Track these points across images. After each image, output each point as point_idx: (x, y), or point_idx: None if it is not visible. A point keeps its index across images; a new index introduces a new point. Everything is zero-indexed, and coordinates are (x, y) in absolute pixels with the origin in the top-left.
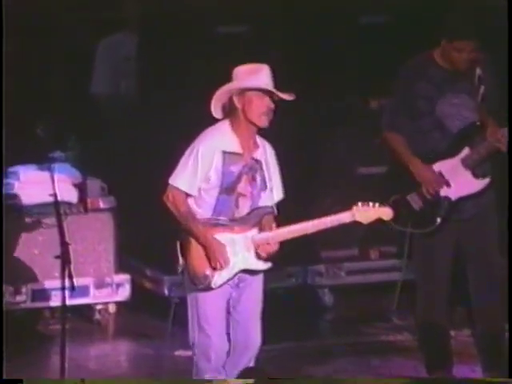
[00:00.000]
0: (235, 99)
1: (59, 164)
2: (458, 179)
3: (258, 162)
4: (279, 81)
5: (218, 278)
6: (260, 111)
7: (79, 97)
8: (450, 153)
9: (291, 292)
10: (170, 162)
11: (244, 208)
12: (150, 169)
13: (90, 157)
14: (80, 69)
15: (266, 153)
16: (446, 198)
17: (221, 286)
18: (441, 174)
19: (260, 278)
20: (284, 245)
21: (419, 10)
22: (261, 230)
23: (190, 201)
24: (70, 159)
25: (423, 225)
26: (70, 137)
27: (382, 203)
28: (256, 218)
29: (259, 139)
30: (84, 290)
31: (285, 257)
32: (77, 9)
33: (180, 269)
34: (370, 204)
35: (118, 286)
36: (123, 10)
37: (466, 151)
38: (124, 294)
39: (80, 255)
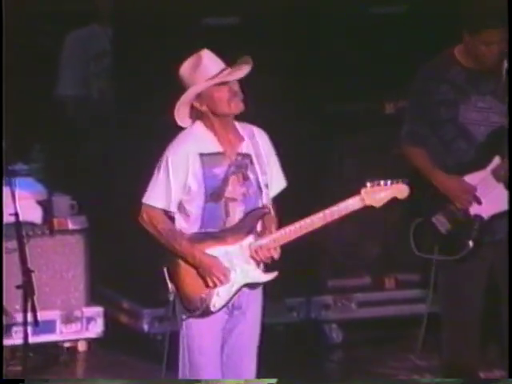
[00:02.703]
0: (196, 104)
1: (21, 178)
2: (490, 194)
3: (246, 156)
4: (276, 81)
5: (217, 300)
6: (225, 101)
7: (44, 100)
8: (478, 164)
9: (292, 328)
10: (146, 182)
11: (236, 214)
12: (127, 183)
13: (56, 170)
14: (44, 68)
15: (256, 142)
16: (478, 217)
17: (221, 308)
18: None
19: (258, 306)
20: (283, 272)
21: (439, 2)
22: (258, 235)
23: (177, 218)
24: (33, 173)
25: (452, 250)
26: (33, 147)
27: (396, 180)
28: (250, 223)
29: (243, 127)
30: (49, 326)
31: (285, 287)
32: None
33: (171, 297)
34: (382, 182)
35: (89, 320)
36: None
37: (496, 161)
38: (96, 329)
39: (45, 284)
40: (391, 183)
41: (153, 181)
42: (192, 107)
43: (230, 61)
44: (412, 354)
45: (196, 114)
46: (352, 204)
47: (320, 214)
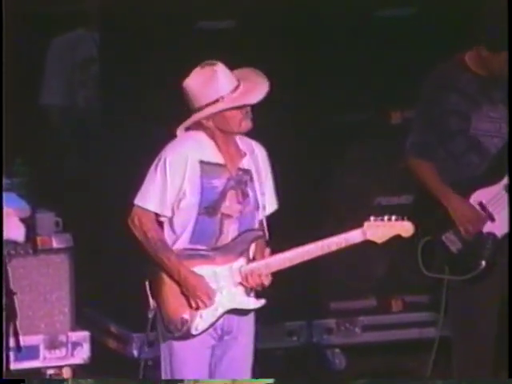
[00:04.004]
0: (203, 120)
1: (3, 193)
2: (504, 211)
3: (246, 172)
4: (275, 89)
5: (200, 322)
6: (237, 121)
7: (27, 110)
8: (491, 179)
9: (292, 354)
10: (138, 187)
11: (229, 233)
12: (116, 199)
13: (40, 184)
14: (26, 75)
15: (256, 158)
16: (491, 235)
17: (203, 331)
18: (482, 206)
19: (250, 331)
20: (283, 293)
21: (449, 4)
22: (250, 259)
23: (165, 225)
24: (15, 187)
25: (464, 270)
26: (14, 160)
27: (401, 217)
28: (243, 245)
29: (244, 142)
30: (33, 351)
31: (284, 309)
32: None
33: (151, 314)
34: (385, 218)
35: (75, 345)
36: (80, 1)
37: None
38: (82, 355)
39: (28, 307)
40: (396, 219)
41: (147, 182)
42: (197, 122)
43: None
44: (420, 380)
45: (197, 127)
46: (353, 237)
47: (318, 244)
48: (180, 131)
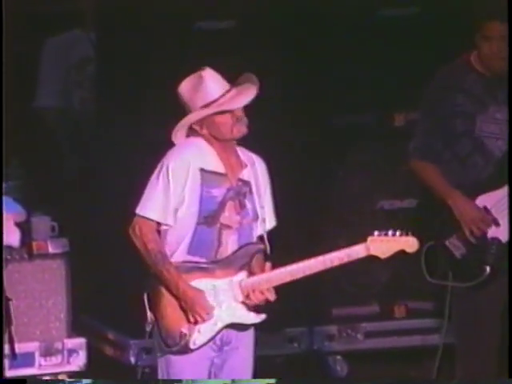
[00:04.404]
0: (196, 127)
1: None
2: (508, 215)
3: (246, 183)
4: (275, 90)
5: (198, 337)
6: (228, 127)
7: (21, 112)
8: (495, 183)
9: (293, 361)
10: (139, 195)
11: (229, 245)
12: (113, 203)
13: (35, 188)
14: (20, 76)
15: (256, 171)
16: (495, 240)
17: (201, 346)
18: (486, 211)
19: (250, 339)
20: (283, 299)
21: (453, 3)
22: (251, 272)
23: (162, 235)
24: (10, 191)
25: (468, 276)
26: (10, 162)
27: (406, 232)
28: (244, 258)
29: (245, 153)
30: (28, 358)
31: (284, 316)
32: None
33: (149, 327)
34: (390, 233)
35: (71, 352)
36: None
37: None
38: (78, 362)
39: (23, 314)
40: (400, 235)
41: (148, 190)
42: (191, 128)
43: (225, 72)
44: None
45: (195, 133)
46: (356, 252)
47: (320, 259)
48: (175, 137)
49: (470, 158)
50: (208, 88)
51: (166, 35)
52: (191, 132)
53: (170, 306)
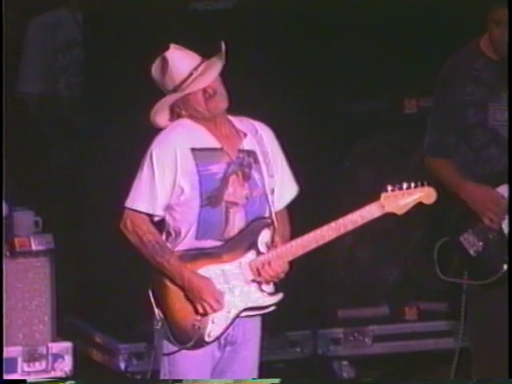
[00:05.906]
0: (176, 109)
1: None
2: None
3: (249, 153)
4: (278, 76)
5: (213, 328)
6: (202, 104)
7: (2, 99)
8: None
9: (295, 366)
10: (128, 187)
11: (235, 222)
12: (101, 196)
13: (18, 181)
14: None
15: (260, 139)
16: None
17: (218, 338)
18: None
19: (255, 342)
20: (283, 299)
21: None
22: (259, 251)
23: (166, 226)
24: None
25: (483, 274)
26: None
27: (421, 183)
28: (251, 237)
29: (244, 123)
30: (10, 364)
31: (286, 318)
32: None
33: (158, 325)
34: (404, 185)
35: (56, 357)
36: None
37: None
38: (64, 368)
39: (4, 316)
40: (415, 186)
41: (136, 181)
42: (173, 111)
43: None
44: None
45: (178, 116)
46: (370, 211)
47: (332, 224)
48: (155, 124)
49: (485, 149)
50: (174, 69)
51: (157, 16)
52: (175, 114)
53: (178, 300)
